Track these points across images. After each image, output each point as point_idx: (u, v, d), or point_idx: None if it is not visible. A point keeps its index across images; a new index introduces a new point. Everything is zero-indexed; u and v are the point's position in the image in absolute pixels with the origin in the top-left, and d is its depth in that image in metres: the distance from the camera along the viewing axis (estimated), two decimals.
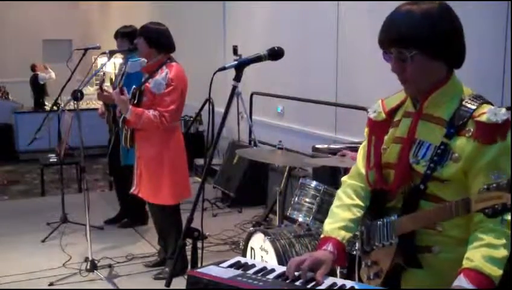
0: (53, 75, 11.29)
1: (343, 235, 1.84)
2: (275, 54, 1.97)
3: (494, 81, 4.00)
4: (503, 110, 1.64)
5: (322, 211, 3.58)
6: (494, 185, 1.48)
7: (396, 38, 1.67)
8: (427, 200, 1.71)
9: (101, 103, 5.48)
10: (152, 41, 4.10)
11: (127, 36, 5.18)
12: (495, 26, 4.02)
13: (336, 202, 1.95)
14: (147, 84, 4.07)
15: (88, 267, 4.35)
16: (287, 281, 1.66)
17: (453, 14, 1.71)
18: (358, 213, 1.89)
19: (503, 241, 1.59)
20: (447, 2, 1.73)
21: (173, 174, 4.17)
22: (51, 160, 6.73)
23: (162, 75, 4.02)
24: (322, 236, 1.88)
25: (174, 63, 4.12)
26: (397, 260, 1.74)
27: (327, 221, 1.91)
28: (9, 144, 9.67)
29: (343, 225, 1.85)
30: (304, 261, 1.70)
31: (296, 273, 1.68)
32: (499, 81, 3.99)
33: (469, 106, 1.68)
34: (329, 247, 1.80)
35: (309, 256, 1.73)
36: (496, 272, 1.56)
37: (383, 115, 1.86)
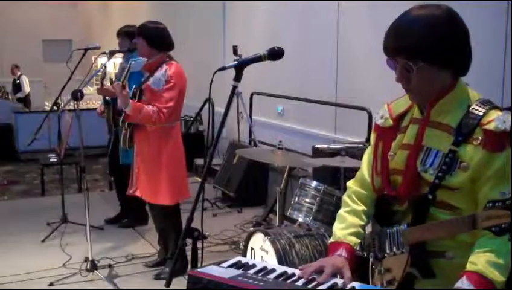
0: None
1: (354, 241, 1.85)
2: (275, 54, 1.97)
3: (494, 81, 4.00)
4: (510, 116, 1.62)
5: (322, 211, 3.58)
6: (500, 202, 1.47)
7: (403, 49, 1.64)
8: (437, 207, 1.70)
9: (100, 102, 5.48)
10: (151, 41, 4.11)
11: (129, 36, 5.18)
12: (495, 26, 4.01)
13: (344, 207, 1.95)
14: (147, 82, 4.09)
15: (88, 267, 4.34)
16: (288, 281, 1.66)
17: (459, 19, 1.67)
18: (366, 219, 1.91)
19: (509, 248, 1.58)
20: (448, 2, 1.72)
21: (171, 174, 4.17)
22: (51, 160, 6.73)
23: (161, 71, 4.04)
24: (332, 240, 1.88)
25: (173, 62, 4.14)
26: (410, 270, 1.73)
27: (337, 226, 1.90)
28: (9, 144, 9.66)
29: (354, 231, 1.86)
30: (323, 267, 1.70)
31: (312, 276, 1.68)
32: (499, 81, 3.98)
33: (476, 112, 1.66)
34: (343, 253, 1.80)
35: (325, 263, 1.73)
36: (499, 277, 1.56)
37: (390, 122, 1.85)
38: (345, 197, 1.97)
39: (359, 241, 1.87)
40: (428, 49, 1.62)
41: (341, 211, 1.95)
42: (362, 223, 1.89)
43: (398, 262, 1.76)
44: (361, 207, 1.91)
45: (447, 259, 1.71)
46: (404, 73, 1.67)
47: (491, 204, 1.48)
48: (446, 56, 1.64)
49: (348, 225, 1.88)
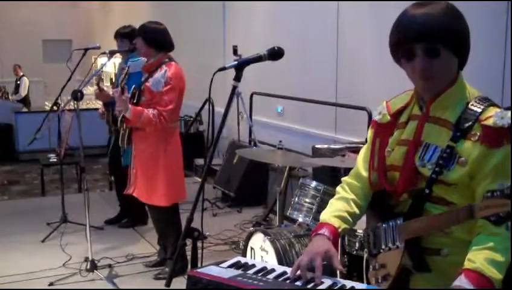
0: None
1: (338, 223, 1.85)
2: (275, 54, 1.97)
3: (494, 81, 4.00)
4: (510, 113, 1.63)
5: (322, 211, 3.58)
6: (498, 192, 1.47)
7: (427, 32, 1.64)
8: (433, 203, 1.70)
9: (101, 103, 5.48)
10: (150, 41, 4.11)
11: (126, 36, 5.18)
12: (495, 26, 4.01)
13: (335, 196, 1.97)
14: (146, 83, 4.08)
15: (88, 267, 4.34)
16: (288, 281, 1.66)
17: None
18: (357, 210, 1.90)
19: (507, 245, 1.58)
20: (448, 1, 1.73)
21: (168, 175, 4.17)
22: (51, 160, 6.73)
23: (160, 73, 4.04)
24: (318, 223, 1.89)
25: (173, 63, 4.13)
26: (405, 264, 1.73)
27: (324, 211, 1.92)
28: (9, 144, 9.67)
29: (339, 214, 1.87)
30: (312, 261, 1.70)
31: (309, 276, 1.68)
32: (499, 81, 3.98)
33: (475, 108, 1.67)
34: (326, 232, 1.81)
35: (312, 254, 1.72)
36: (497, 275, 1.56)
37: (388, 117, 1.86)
38: (337, 188, 1.99)
39: (345, 226, 1.86)
40: (450, 34, 1.64)
41: (331, 199, 1.97)
42: (350, 210, 1.89)
43: (392, 257, 1.76)
44: (351, 196, 1.92)
45: (442, 256, 1.71)
46: (426, 59, 1.66)
47: (489, 194, 1.48)
48: (461, 41, 1.68)
49: (334, 209, 1.89)
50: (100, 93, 4.90)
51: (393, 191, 1.79)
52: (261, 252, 3.58)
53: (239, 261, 1.80)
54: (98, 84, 4.88)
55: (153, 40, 4.11)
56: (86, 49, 4.83)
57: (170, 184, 4.19)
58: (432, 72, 1.67)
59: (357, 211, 1.90)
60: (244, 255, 3.69)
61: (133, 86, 4.19)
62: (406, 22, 1.68)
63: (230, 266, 1.75)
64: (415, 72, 1.69)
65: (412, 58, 1.68)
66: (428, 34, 1.65)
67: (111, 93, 4.75)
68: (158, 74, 4.04)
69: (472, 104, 1.68)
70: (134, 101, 4.08)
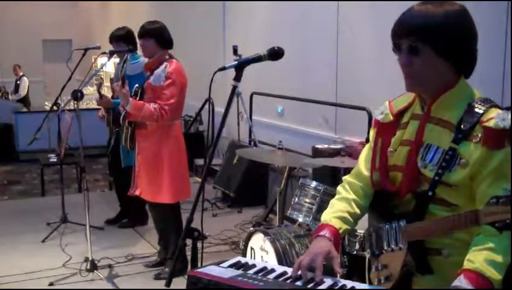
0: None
1: (339, 225, 1.85)
2: (275, 54, 1.97)
3: (494, 81, 3.99)
4: (510, 114, 1.62)
5: (322, 211, 3.53)
6: (504, 198, 1.46)
7: (410, 29, 1.65)
8: (436, 204, 1.70)
9: None
10: (160, 40, 4.13)
11: (121, 39, 5.16)
12: (495, 26, 4.01)
13: (336, 196, 1.97)
14: (148, 80, 4.11)
15: (88, 267, 4.35)
16: (288, 281, 1.66)
17: (471, 19, 1.70)
18: (357, 210, 1.90)
19: (506, 246, 1.58)
20: (461, 7, 1.73)
21: (172, 173, 4.18)
22: (51, 160, 6.73)
23: (161, 68, 4.08)
24: (319, 224, 1.89)
25: (174, 60, 4.16)
26: (408, 266, 1.73)
27: (325, 211, 1.92)
28: (9, 144, 9.67)
29: (340, 215, 1.87)
30: (313, 261, 1.70)
31: (309, 276, 1.68)
32: (499, 81, 3.98)
33: (477, 110, 1.67)
34: (327, 233, 1.80)
35: (313, 255, 1.72)
36: (496, 276, 1.56)
37: (390, 117, 1.86)
38: (338, 187, 1.99)
39: (346, 227, 1.86)
40: (434, 31, 1.64)
41: (332, 199, 1.97)
42: (351, 210, 1.88)
43: (395, 258, 1.76)
44: (352, 196, 1.92)
45: (444, 257, 1.71)
46: (408, 55, 1.67)
47: (495, 200, 1.48)
48: (450, 43, 1.65)
49: (335, 210, 1.89)
50: (101, 100, 4.88)
51: (396, 191, 1.79)
52: (261, 252, 3.58)
53: (239, 261, 1.80)
54: (99, 91, 4.86)
55: (162, 39, 4.15)
56: (86, 49, 4.83)
57: (174, 182, 4.19)
58: (411, 70, 1.69)
59: (358, 211, 1.90)
60: (244, 255, 3.69)
61: (136, 85, 4.20)
62: (400, 16, 1.70)
63: (230, 266, 1.75)
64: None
65: (399, 53, 1.70)
66: (409, 31, 1.66)
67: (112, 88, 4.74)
68: (159, 70, 4.08)
69: (474, 106, 1.68)
70: (137, 98, 4.10)
